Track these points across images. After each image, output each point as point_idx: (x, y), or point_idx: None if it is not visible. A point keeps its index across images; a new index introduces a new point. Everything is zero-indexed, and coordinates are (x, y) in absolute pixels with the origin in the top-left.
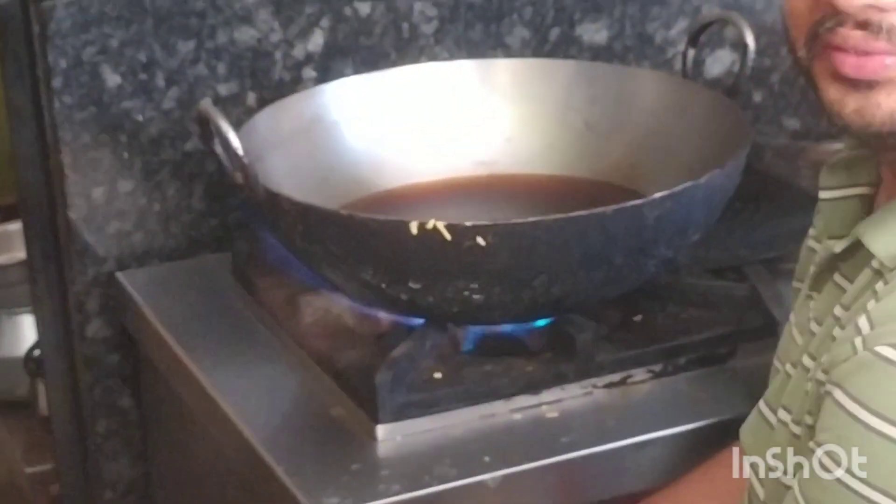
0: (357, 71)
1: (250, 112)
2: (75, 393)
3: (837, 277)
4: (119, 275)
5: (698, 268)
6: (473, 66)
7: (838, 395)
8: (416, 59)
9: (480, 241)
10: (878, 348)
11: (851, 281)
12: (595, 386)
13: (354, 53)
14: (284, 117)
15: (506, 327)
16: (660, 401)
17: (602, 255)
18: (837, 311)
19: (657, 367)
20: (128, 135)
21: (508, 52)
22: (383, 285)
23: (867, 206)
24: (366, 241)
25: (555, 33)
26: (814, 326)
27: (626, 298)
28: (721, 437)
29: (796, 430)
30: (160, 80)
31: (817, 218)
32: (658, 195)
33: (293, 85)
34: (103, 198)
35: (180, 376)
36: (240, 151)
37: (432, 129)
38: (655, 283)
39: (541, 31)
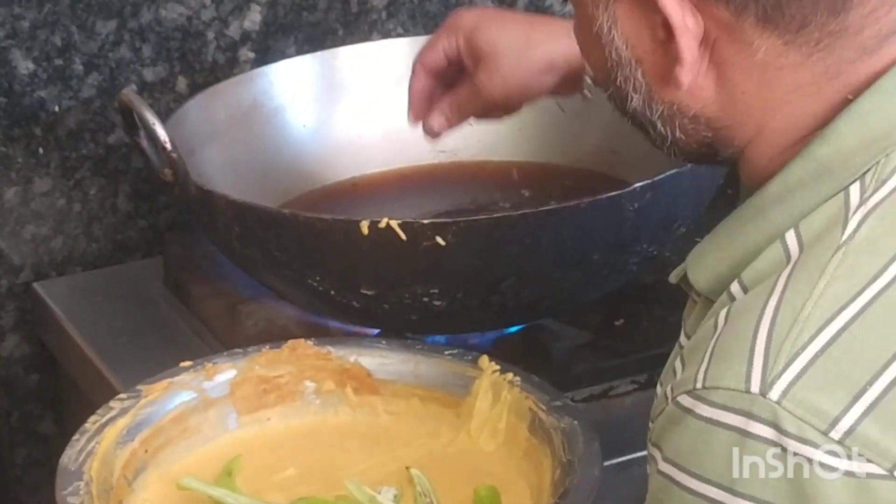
0: (300, 51)
1: (180, 99)
2: None
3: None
4: (37, 285)
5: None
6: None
7: (657, 456)
8: (366, 37)
9: (440, 240)
10: (679, 398)
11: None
12: (573, 400)
13: (297, 31)
14: (219, 104)
15: (472, 336)
16: (645, 416)
17: (578, 253)
18: (682, 340)
19: (642, 378)
20: (43, 127)
21: None
22: (332, 292)
23: None
24: (311, 243)
25: (522, 3)
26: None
27: (607, 300)
28: None
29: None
30: (78, 66)
31: None
32: (639, 184)
33: (229, 68)
34: (17, 199)
35: (107, 399)
36: (168, 145)
37: (386, 114)
38: (639, 284)
39: (506, 2)
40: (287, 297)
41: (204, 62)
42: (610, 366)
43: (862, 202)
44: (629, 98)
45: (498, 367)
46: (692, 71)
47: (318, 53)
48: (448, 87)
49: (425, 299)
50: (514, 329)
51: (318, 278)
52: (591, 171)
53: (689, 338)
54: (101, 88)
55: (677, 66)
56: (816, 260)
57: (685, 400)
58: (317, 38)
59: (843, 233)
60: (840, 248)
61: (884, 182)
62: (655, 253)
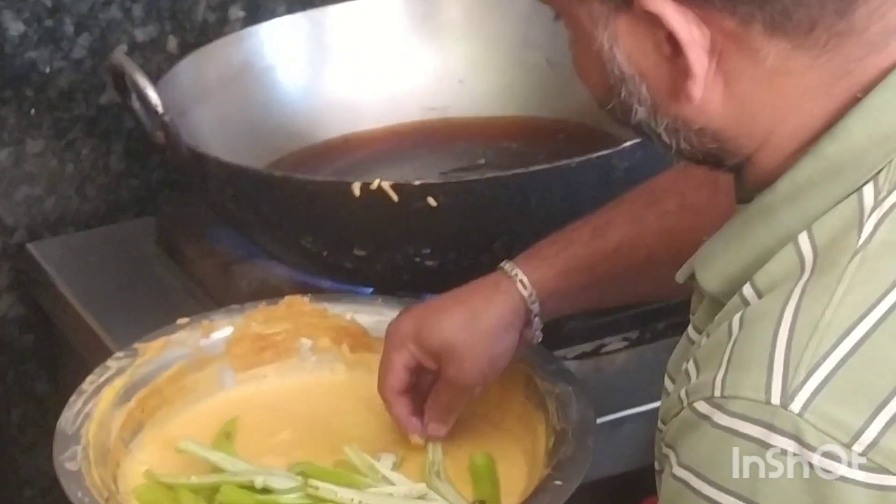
0: (290, 9)
1: (171, 59)
2: None
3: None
4: (30, 246)
5: None
6: (419, 0)
7: (672, 459)
8: None
9: (431, 201)
10: (696, 404)
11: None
12: (565, 357)
13: None
14: (210, 65)
15: None
16: (637, 372)
17: (568, 212)
18: (692, 332)
19: (633, 335)
20: (34, 89)
21: None
22: (325, 253)
23: None
24: (303, 204)
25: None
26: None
27: None
28: None
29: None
30: (68, 27)
31: None
32: (629, 143)
33: (219, 27)
34: (9, 160)
35: (101, 359)
36: (159, 108)
37: (376, 71)
38: None
39: None
40: (280, 257)
41: (194, 21)
42: (601, 323)
43: (877, 204)
44: (633, 111)
45: None
46: (703, 83)
47: (308, 12)
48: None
49: (417, 259)
50: None
51: (310, 239)
52: (580, 125)
53: (698, 332)
54: (91, 49)
55: (689, 80)
56: (833, 266)
57: (702, 406)
58: None
59: (859, 237)
60: (857, 254)
61: None
62: None
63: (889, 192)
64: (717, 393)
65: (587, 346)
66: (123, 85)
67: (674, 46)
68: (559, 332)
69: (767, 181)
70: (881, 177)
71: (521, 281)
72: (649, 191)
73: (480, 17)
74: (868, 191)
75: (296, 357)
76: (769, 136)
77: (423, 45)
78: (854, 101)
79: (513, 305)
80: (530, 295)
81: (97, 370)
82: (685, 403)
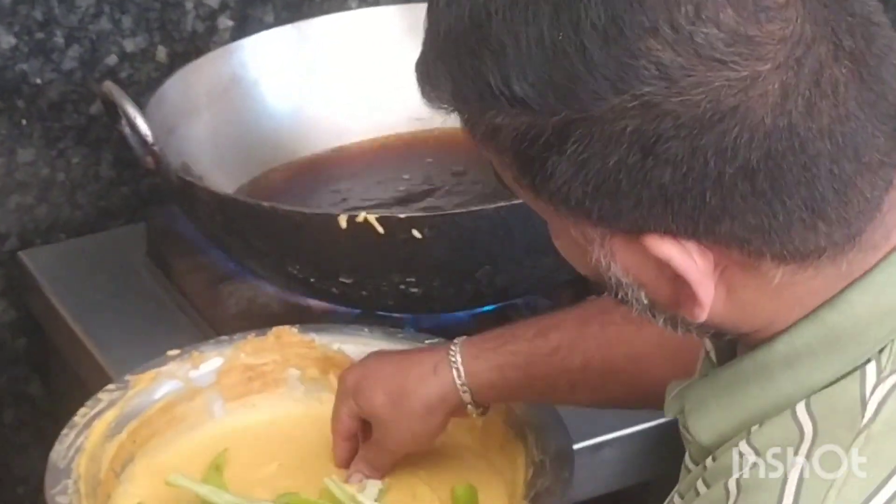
0: (278, 17)
1: (161, 69)
2: None
3: None
4: (22, 254)
5: None
6: (407, 11)
7: None
8: (343, 4)
9: (416, 233)
10: None
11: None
12: None
13: None
14: (199, 80)
15: (447, 315)
16: None
17: (551, 241)
18: (689, 463)
19: None
20: (25, 100)
21: None
22: (312, 279)
23: None
24: (291, 235)
25: None
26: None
27: (579, 277)
28: None
29: None
30: (59, 39)
31: None
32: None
33: (207, 36)
34: (2, 170)
35: (89, 369)
36: (149, 138)
37: (363, 83)
38: None
39: None
40: (268, 280)
41: (183, 31)
42: None
43: (879, 381)
44: (629, 304)
45: None
46: (707, 308)
47: (296, 24)
48: None
49: (402, 287)
50: (488, 308)
51: (297, 267)
52: None
53: (694, 463)
54: (82, 60)
55: (695, 306)
56: (837, 443)
57: None
58: (294, 5)
59: (863, 416)
60: (861, 433)
61: None
62: None
63: (892, 372)
64: None
65: None
66: (115, 112)
67: (678, 275)
68: None
69: (763, 341)
70: (883, 356)
71: (457, 369)
72: (605, 299)
73: None
74: (871, 369)
75: (284, 387)
76: (771, 323)
77: (410, 55)
78: (851, 279)
79: (442, 392)
80: (462, 385)
81: (89, 402)
82: None
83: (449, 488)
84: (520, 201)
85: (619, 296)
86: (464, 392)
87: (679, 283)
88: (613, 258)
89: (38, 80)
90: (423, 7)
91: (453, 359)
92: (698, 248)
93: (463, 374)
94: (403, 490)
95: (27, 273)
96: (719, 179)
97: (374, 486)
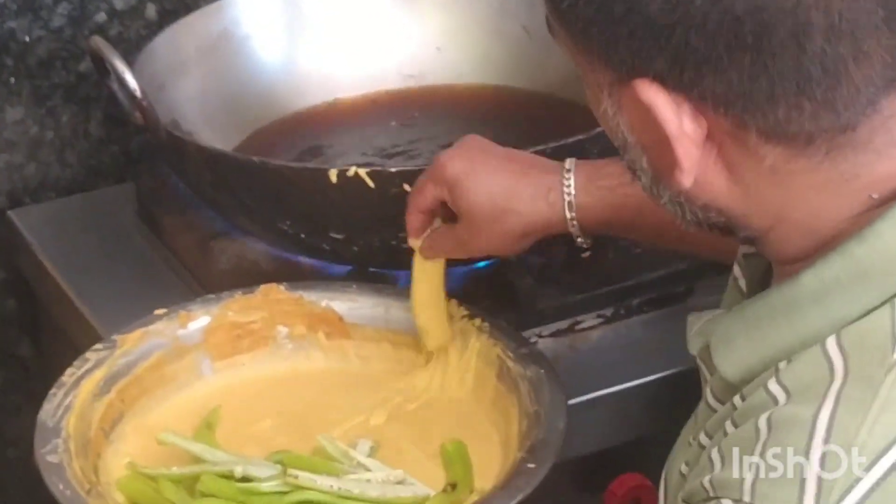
0: None
1: (150, 26)
2: None
3: None
4: (11, 213)
5: None
6: None
7: None
8: None
9: (407, 187)
10: (724, 501)
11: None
12: (540, 335)
13: None
14: (188, 37)
15: None
16: (612, 349)
17: None
18: (712, 400)
19: (608, 312)
20: (14, 57)
21: None
22: (302, 235)
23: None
24: (281, 190)
25: None
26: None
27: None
28: (683, 388)
29: None
30: None
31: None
32: (602, 128)
33: None
34: None
35: (79, 329)
36: (137, 93)
37: (354, 39)
38: None
39: None
40: (258, 237)
41: None
42: (575, 301)
43: None
44: (638, 177)
45: (467, 311)
46: (692, 174)
47: None
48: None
49: (393, 242)
50: (483, 264)
51: (287, 223)
52: (558, 98)
53: (720, 402)
54: (71, 17)
55: (676, 169)
56: (868, 381)
57: None
58: None
59: (893, 351)
60: (892, 370)
61: None
62: None
63: None
64: (747, 499)
65: (562, 324)
66: (103, 68)
67: (666, 137)
68: (533, 309)
69: (787, 261)
70: None
71: (570, 202)
72: None
73: None
74: None
75: (273, 345)
76: (781, 220)
77: (400, 12)
78: (870, 200)
79: (549, 221)
80: (572, 218)
81: (76, 362)
82: (710, 494)
83: (439, 443)
84: None
85: (630, 166)
86: (573, 226)
87: (667, 146)
88: (620, 111)
89: (27, 38)
90: None
91: (567, 189)
92: (691, 111)
93: (575, 207)
94: (394, 447)
95: (16, 232)
96: (704, 22)
97: (365, 443)
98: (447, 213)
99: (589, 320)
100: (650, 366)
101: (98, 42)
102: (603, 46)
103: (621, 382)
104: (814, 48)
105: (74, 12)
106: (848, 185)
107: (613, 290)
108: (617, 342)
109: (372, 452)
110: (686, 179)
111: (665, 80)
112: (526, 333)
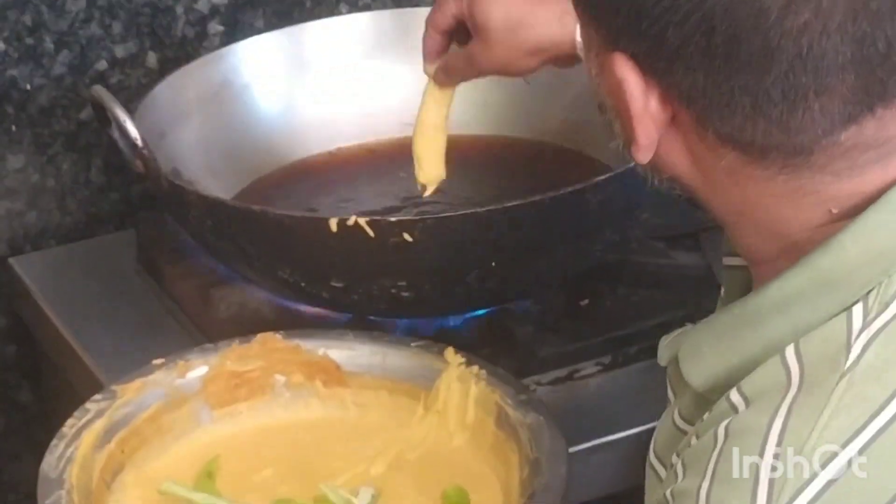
0: (268, 23)
1: (151, 74)
2: None
3: None
4: (12, 260)
5: (649, 238)
6: (398, 16)
7: None
8: (334, 9)
9: (407, 237)
10: None
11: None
12: (539, 383)
13: (265, 4)
14: (189, 85)
15: (438, 319)
16: (611, 397)
17: (542, 245)
18: (678, 420)
19: (606, 360)
20: (15, 105)
21: None
22: (302, 283)
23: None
24: (281, 238)
25: None
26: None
27: (571, 280)
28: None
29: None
30: (48, 44)
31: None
32: (601, 178)
33: (198, 42)
34: None
35: (79, 375)
36: (138, 142)
37: (353, 88)
38: (603, 262)
39: None
40: (259, 285)
41: (174, 37)
42: (574, 349)
43: (865, 325)
44: (615, 136)
45: (464, 359)
46: (649, 152)
47: (286, 29)
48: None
49: (393, 290)
50: (480, 312)
51: (287, 271)
52: (556, 147)
53: (686, 421)
54: (71, 66)
55: (633, 144)
56: (820, 387)
57: None
58: (284, 11)
59: (846, 359)
60: (844, 376)
61: (887, 305)
62: (619, 238)
63: (878, 314)
64: None
65: (561, 372)
66: (104, 116)
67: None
68: (533, 357)
69: (756, 263)
70: (871, 297)
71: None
72: None
73: None
74: (857, 311)
75: (270, 394)
76: (741, 216)
77: (400, 61)
78: (828, 214)
79: (558, 42)
80: (580, 43)
81: (76, 413)
82: (670, 501)
83: (440, 490)
84: (509, 204)
85: (608, 126)
86: (580, 50)
87: (630, 121)
88: (602, 74)
89: (28, 86)
90: (413, 12)
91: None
92: (658, 96)
93: None
94: (395, 494)
95: (17, 280)
96: (683, 21)
97: (367, 491)
98: (463, 40)
99: (588, 368)
100: (649, 413)
101: (99, 91)
102: (594, 12)
103: (621, 430)
104: (778, 72)
105: (75, 60)
106: (806, 198)
107: (612, 337)
108: (616, 389)
109: (374, 501)
110: (642, 156)
111: (640, 62)
112: (525, 381)
